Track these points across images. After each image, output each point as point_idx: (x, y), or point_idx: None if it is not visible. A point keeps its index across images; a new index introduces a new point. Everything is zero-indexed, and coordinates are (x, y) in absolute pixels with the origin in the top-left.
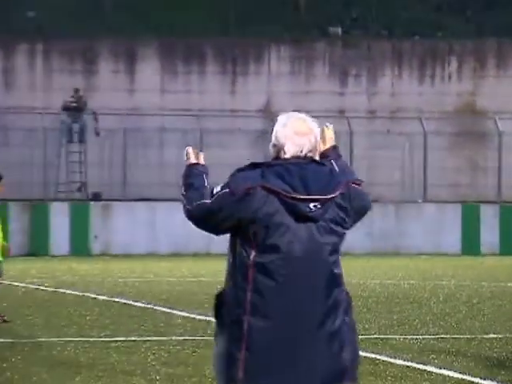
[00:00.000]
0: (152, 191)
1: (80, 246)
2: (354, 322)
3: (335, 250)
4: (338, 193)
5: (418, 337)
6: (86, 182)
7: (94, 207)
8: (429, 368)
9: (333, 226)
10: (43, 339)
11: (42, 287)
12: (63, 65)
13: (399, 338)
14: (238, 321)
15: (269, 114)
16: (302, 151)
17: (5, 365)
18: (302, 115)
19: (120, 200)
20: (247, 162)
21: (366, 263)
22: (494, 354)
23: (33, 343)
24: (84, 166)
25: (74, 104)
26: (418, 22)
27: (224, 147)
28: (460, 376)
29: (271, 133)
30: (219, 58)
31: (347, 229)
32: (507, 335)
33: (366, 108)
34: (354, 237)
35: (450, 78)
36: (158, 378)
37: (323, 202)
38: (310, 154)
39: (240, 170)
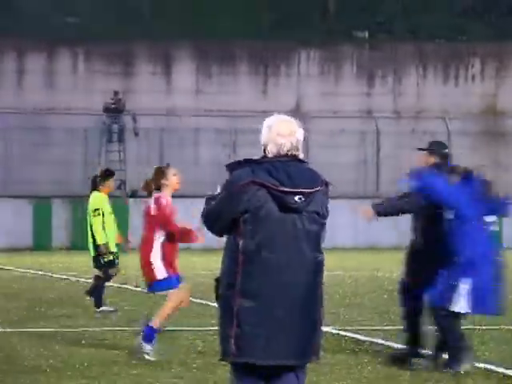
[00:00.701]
0: (187, 188)
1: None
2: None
3: (317, 238)
4: (319, 187)
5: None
6: (126, 179)
7: (134, 204)
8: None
9: (315, 216)
10: (85, 328)
11: (83, 279)
12: (103, 67)
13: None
14: (230, 301)
15: (299, 115)
16: (282, 150)
17: (46, 352)
18: (287, 118)
19: None
20: None
21: (392, 256)
22: None
23: (73, 332)
24: (123, 164)
25: (114, 105)
26: (442, 26)
27: (256, 146)
28: (485, 366)
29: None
30: (251, 60)
31: (325, 219)
32: None
33: (392, 108)
34: (382, 232)
35: (473, 79)
36: (194, 366)
37: (307, 196)
38: (291, 153)
39: (232, 169)
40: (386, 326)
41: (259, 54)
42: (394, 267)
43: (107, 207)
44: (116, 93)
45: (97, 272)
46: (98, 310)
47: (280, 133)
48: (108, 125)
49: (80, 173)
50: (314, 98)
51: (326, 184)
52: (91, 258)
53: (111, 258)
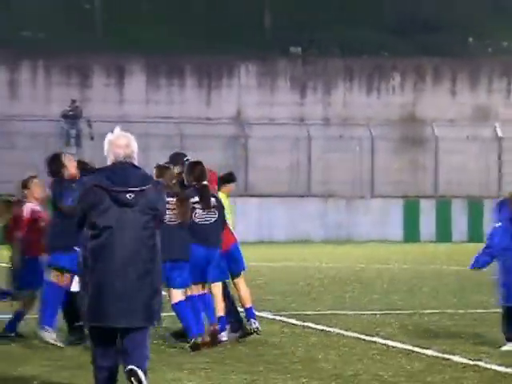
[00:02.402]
0: None
1: None
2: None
3: (148, 226)
4: (147, 187)
5: (366, 312)
6: None
7: None
8: (375, 339)
9: (145, 208)
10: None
11: None
12: (61, 78)
13: (350, 314)
14: (84, 275)
15: (239, 122)
16: (118, 158)
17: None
18: (123, 133)
19: None
20: (221, 163)
21: (321, 249)
22: (432, 327)
23: None
24: None
25: (71, 112)
26: (366, 43)
27: (201, 150)
28: (402, 346)
29: (241, 137)
30: (196, 73)
31: (158, 210)
32: (443, 310)
33: (322, 116)
34: (312, 227)
35: (393, 90)
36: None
37: (137, 193)
38: (127, 160)
39: (86, 176)
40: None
41: (203, 67)
42: (323, 258)
43: (228, 207)
44: (73, 101)
45: None
46: None
47: (117, 145)
48: (66, 130)
49: (40, 174)
50: (253, 107)
51: (158, 183)
52: None
53: None
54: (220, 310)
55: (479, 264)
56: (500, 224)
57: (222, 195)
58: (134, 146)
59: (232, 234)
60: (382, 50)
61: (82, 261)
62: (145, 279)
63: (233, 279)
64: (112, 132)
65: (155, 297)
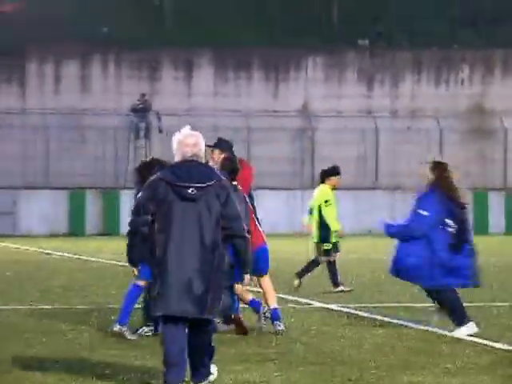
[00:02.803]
0: None
1: None
2: (223, 277)
3: (212, 221)
4: (211, 183)
5: (433, 304)
6: None
7: None
8: (444, 332)
9: (209, 203)
10: (115, 306)
11: (115, 262)
12: (132, 72)
13: (417, 306)
14: (152, 266)
15: (306, 114)
16: (186, 156)
17: (83, 327)
18: (192, 132)
19: None
20: (288, 155)
21: (388, 242)
22: (502, 320)
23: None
24: None
25: (141, 106)
26: (435, 34)
27: (268, 143)
28: (471, 339)
29: (308, 130)
30: (264, 66)
31: (223, 206)
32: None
33: (389, 108)
34: (378, 218)
35: (462, 82)
36: None
37: (200, 188)
38: (194, 158)
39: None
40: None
41: (271, 60)
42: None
43: (333, 199)
44: (143, 95)
45: (313, 257)
46: (336, 290)
47: (185, 143)
48: (135, 123)
49: (110, 167)
50: (320, 100)
51: (222, 180)
52: (314, 244)
53: (334, 242)
54: (272, 300)
55: None
56: None
57: (326, 188)
58: (202, 144)
59: (261, 234)
60: (451, 42)
61: (149, 251)
62: (204, 271)
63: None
64: (180, 129)
65: (212, 290)
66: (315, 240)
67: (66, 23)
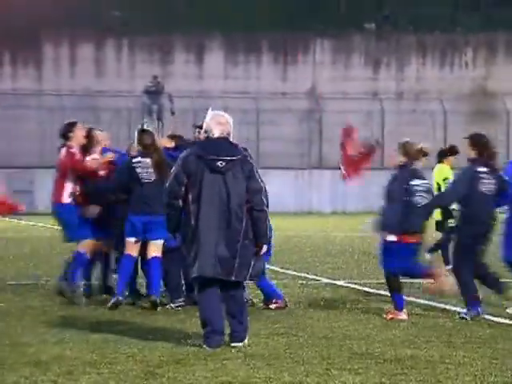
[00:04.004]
0: None
1: None
2: (251, 244)
3: (239, 192)
4: (237, 157)
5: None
6: None
7: None
8: (447, 307)
9: (237, 175)
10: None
11: None
12: (144, 56)
13: (422, 282)
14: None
15: (314, 96)
16: (222, 134)
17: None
18: (222, 112)
19: None
20: (296, 136)
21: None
22: (502, 296)
23: None
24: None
25: (153, 88)
26: (439, 18)
27: (276, 124)
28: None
29: (316, 112)
30: (273, 49)
31: (247, 180)
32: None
33: (395, 91)
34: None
35: (466, 65)
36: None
37: (227, 162)
38: (225, 135)
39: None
40: None
41: (279, 44)
42: None
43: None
44: (155, 77)
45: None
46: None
47: (219, 122)
48: (148, 105)
49: (124, 146)
50: (327, 82)
51: (245, 156)
52: (435, 221)
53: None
54: None
55: None
56: None
57: (443, 167)
58: (231, 123)
59: None
60: (454, 26)
61: (184, 220)
62: (231, 238)
63: None
64: (191, 111)
65: (239, 256)
66: (438, 217)
67: (80, 7)
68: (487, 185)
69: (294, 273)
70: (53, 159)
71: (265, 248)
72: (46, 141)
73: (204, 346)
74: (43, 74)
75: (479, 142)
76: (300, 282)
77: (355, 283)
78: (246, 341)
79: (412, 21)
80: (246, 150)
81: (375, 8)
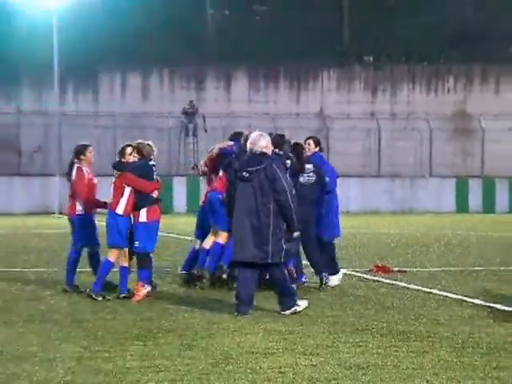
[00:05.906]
0: None
1: (193, 207)
2: (281, 232)
3: (264, 197)
4: (261, 167)
5: (425, 269)
6: (198, 163)
7: (203, 181)
8: (434, 291)
9: (261, 182)
10: (169, 268)
11: (165, 234)
12: (182, 83)
13: (413, 270)
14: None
15: (322, 117)
16: (251, 150)
17: None
18: (260, 133)
19: None
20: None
21: (389, 219)
22: (479, 281)
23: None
24: (196, 153)
25: (190, 110)
26: (427, 52)
27: (291, 140)
28: (456, 296)
29: (324, 129)
30: (288, 77)
31: (273, 181)
32: (488, 268)
33: (389, 112)
34: (382, 201)
35: (448, 91)
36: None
37: (252, 172)
38: (264, 150)
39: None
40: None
41: (294, 72)
42: (390, 226)
43: None
44: (191, 101)
45: None
46: None
47: (251, 141)
48: (185, 124)
49: (166, 159)
50: (333, 105)
51: (271, 165)
52: None
53: None
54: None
55: None
56: None
57: None
58: (263, 141)
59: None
60: (439, 58)
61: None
62: (262, 229)
63: None
64: (221, 129)
65: (272, 242)
66: None
67: (130, 44)
68: None
69: (305, 262)
70: (106, 171)
71: (296, 234)
72: (101, 154)
73: (235, 312)
74: (99, 99)
75: None
76: (312, 270)
77: (357, 271)
78: (296, 308)
79: (404, 54)
80: (279, 155)
81: (372, 43)
